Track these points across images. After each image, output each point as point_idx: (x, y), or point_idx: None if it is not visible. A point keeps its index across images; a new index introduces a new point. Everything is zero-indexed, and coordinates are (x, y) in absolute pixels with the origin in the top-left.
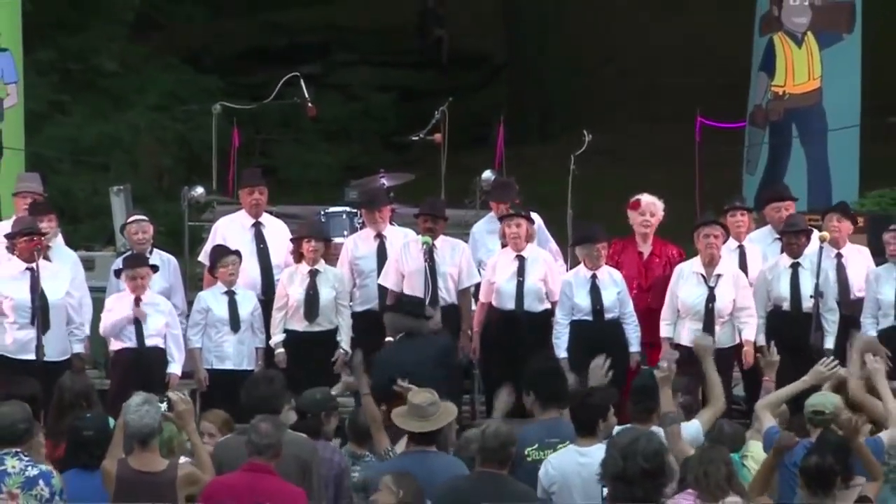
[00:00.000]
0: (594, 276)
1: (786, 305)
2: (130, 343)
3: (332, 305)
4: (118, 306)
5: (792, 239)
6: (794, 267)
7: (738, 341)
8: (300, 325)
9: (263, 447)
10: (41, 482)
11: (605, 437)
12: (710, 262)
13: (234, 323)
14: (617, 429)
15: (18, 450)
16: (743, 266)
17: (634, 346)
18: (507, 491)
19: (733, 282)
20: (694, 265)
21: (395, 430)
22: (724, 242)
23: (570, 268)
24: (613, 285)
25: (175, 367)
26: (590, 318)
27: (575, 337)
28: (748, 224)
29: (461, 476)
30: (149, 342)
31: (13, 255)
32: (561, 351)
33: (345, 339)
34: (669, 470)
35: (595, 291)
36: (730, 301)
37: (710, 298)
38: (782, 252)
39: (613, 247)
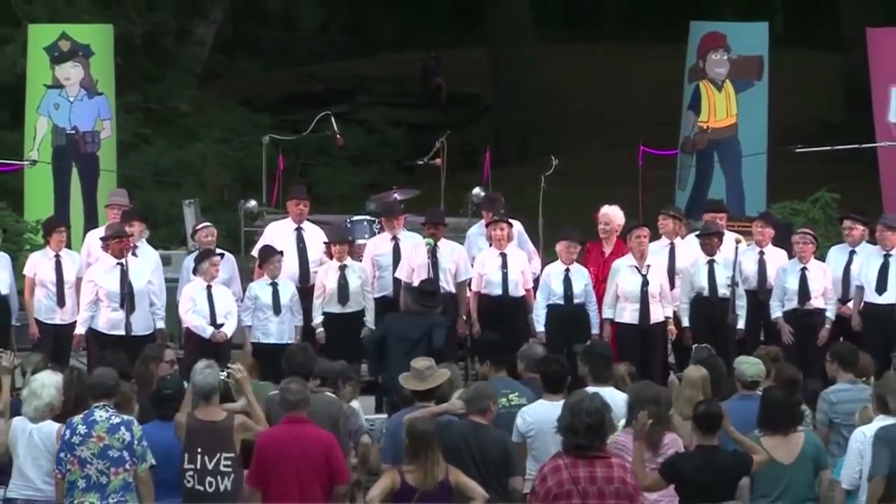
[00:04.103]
0: (567, 270)
1: (705, 293)
2: (205, 321)
3: (359, 291)
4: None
5: (706, 240)
6: (710, 263)
7: (664, 318)
8: (335, 308)
9: (296, 402)
10: (122, 429)
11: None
12: (641, 256)
13: (276, 307)
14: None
15: (107, 403)
16: (672, 259)
17: (595, 329)
18: (485, 435)
19: (659, 270)
20: (627, 261)
21: None
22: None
23: (544, 264)
24: (581, 278)
25: (225, 329)
26: (562, 302)
27: (550, 316)
28: (672, 227)
29: (454, 422)
30: (217, 321)
31: (106, 253)
32: (539, 326)
33: (369, 318)
34: (610, 424)
35: (567, 281)
36: (658, 285)
37: (644, 283)
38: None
39: (587, 246)
